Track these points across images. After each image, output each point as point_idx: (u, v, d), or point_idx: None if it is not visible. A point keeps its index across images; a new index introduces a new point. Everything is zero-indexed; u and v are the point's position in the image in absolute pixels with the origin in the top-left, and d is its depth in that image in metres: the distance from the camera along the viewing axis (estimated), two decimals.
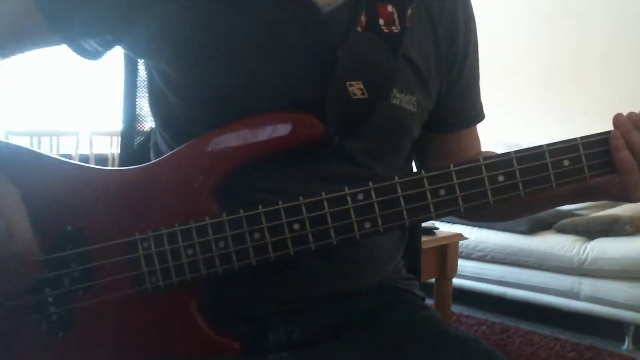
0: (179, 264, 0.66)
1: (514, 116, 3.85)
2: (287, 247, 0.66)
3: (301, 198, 0.65)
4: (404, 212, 0.66)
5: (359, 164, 0.74)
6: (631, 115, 0.69)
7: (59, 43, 0.74)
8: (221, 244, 0.66)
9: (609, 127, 0.69)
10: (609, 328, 2.68)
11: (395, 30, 0.71)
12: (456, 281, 2.63)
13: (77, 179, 0.70)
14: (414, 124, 0.79)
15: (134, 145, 0.95)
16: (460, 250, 2.49)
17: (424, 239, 1.82)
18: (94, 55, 0.74)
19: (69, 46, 0.73)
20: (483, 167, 0.67)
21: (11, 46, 0.75)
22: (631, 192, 0.68)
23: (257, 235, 0.65)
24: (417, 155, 0.88)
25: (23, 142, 3.82)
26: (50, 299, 0.66)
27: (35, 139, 3.95)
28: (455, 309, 2.92)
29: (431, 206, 0.66)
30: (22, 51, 0.76)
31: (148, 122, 0.96)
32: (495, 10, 4.00)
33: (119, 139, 0.99)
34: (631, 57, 3.40)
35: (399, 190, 0.66)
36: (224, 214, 0.66)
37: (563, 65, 3.72)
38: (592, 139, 0.68)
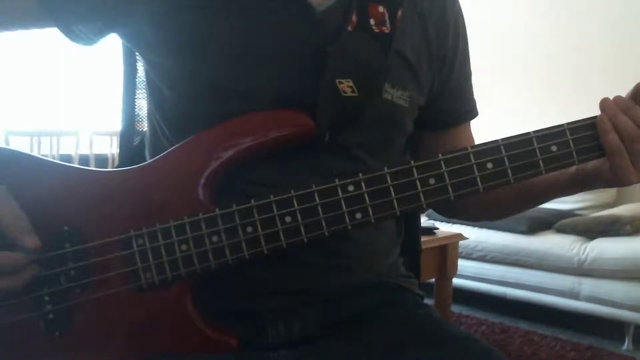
0: (173, 259, 0.66)
1: (513, 116, 3.84)
2: (279, 240, 0.66)
3: (292, 190, 0.66)
4: (395, 202, 0.66)
5: (354, 157, 0.75)
6: (617, 99, 0.69)
7: (49, 25, 0.74)
8: (214, 238, 0.66)
9: None
10: (609, 328, 2.68)
11: (386, 31, 0.72)
12: (456, 281, 2.63)
13: (73, 180, 0.71)
14: (407, 118, 0.79)
15: (133, 145, 0.96)
16: (460, 250, 2.49)
17: (424, 239, 1.82)
18: (86, 41, 0.75)
19: (60, 29, 0.73)
20: (471, 155, 0.67)
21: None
22: (621, 175, 0.68)
23: (249, 229, 0.66)
24: (412, 153, 0.89)
25: (23, 142, 3.83)
26: (46, 298, 0.67)
27: (35, 139, 3.95)
28: (455, 309, 2.92)
29: (421, 195, 0.67)
30: (9, 29, 0.76)
31: (147, 122, 0.96)
32: (495, 10, 4.01)
33: (119, 139, 0.99)
34: (631, 57, 3.40)
35: (389, 180, 0.66)
36: (217, 209, 0.66)
37: (562, 65, 3.72)
38: (579, 124, 0.69)
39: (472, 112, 0.89)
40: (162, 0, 0.70)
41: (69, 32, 0.73)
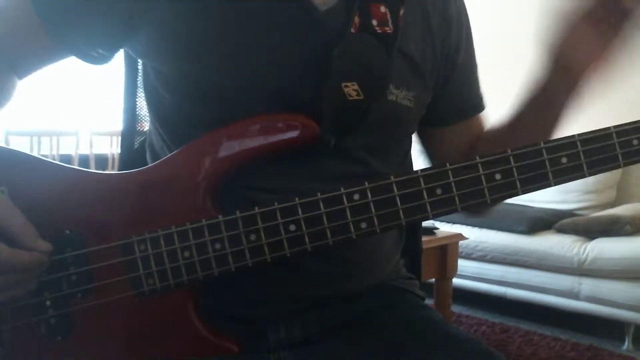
0: (176, 266, 0.66)
1: None
2: (283, 249, 0.65)
3: (297, 199, 0.65)
4: (400, 212, 0.65)
5: (358, 160, 0.74)
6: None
7: (67, 56, 0.74)
8: (217, 245, 0.65)
9: None
10: (609, 328, 2.68)
11: (389, 31, 0.71)
12: (456, 281, 2.63)
13: (75, 183, 0.70)
14: (412, 119, 0.79)
15: (134, 145, 0.95)
16: (460, 250, 2.49)
17: (424, 239, 1.81)
18: (103, 60, 0.75)
19: (78, 57, 0.74)
20: (479, 165, 0.65)
21: (22, 66, 0.75)
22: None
23: (253, 237, 0.65)
24: (428, 150, 0.88)
25: (23, 142, 3.81)
26: (48, 303, 0.66)
27: (35, 139, 3.93)
28: (455, 309, 2.92)
29: (427, 205, 0.65)
30: (34, 69, 0.76)
31: (148, 122, 0.96)
32: (497, 10, 4.00)
33: (119, 139, 0.99)
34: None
35: (395, 190, 0.65)
36: (220, 216, 0.66)
37: None
38: (590, 135, 0.66)
39: (479, 106, 0.87)
40: (162, 11, 0.69)
41: (87, 57, 0.74)
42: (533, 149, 0.66)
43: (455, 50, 0.81)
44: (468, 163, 0.66)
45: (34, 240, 0.63)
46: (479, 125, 0.89)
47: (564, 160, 0.66)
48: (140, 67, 0.93)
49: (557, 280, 2.72)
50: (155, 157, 0.81)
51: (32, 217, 0.64)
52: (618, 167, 0.67)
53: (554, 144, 0.66)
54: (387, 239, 0.82)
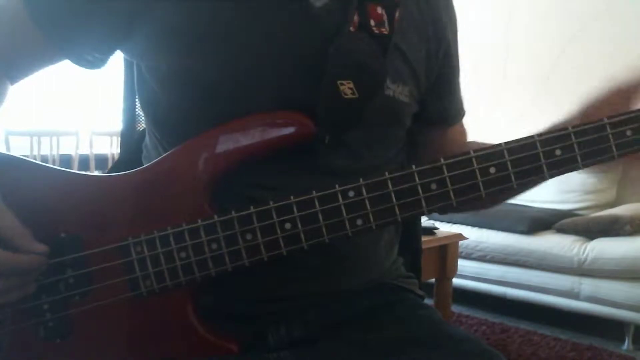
0: (173, 267, 0.66)
1: (511, 115, 3.84)
2: (279, 247, 0.65)
3: (292, 197, 0.65)
4: (396, 208, 0.65)
5: (356, 155, 0.74)
6: None
7: (62, 60, 0.74)
8: (214, 245, 0.65)
9: None
10: (609, 328, 2.69)
11: (385, 32, 0.72)
12: (456, 281, 2.63)
13: (69, 186, 0.70)
14: (408, 114, 0.79)
15: (133, 145, 0.95)
16: (460, 250, 2.49)
17: (424, 239, 1.82)
18: (98, 64, 0.75)
19: (73, 61, 0.74)
20: (474, 160, 0.65)
21: (16, 70, 0.75)
22: None
23: (249, 236, 0.65)
24: (410, 145, 0.88)
25: (23, 142, 3.81)
26: (46, 306, 0.66)
27: (35, 139, 3.94)
28: (455, 309, 2.92)
29: (423, 201, 0.65)
30: (28, 73, 0.76)
31: None
32: (496, 9, 4.00)
33: (119, 139, 0.99)
34: (631, 58, 3.39)
35: (390, 186, 0.65)
36: (216, 216, 0.66)
37: (562, 65, 3.71)
38: (585, 127, 0.66)
39: (461, 113, 0.90)
40: (161, 11, 0.69)
41: (81, 61, 0.74)
42: (527, 142, 0.65)
43: (444, 52, 0.83)
44: (462, 158, 0.65)
45: (29, 243, 0.63)
46: (461, 129, 0.91)
47: (558, 152, 0.65)
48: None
49: (557, 280, 2.72)
50: (149, 157, 0.81)
51: (27, 221, 0.64)
52: (612, 158, 0.66)
53: (548, 136, 0.65)
54: (384, 233, 0.82)
